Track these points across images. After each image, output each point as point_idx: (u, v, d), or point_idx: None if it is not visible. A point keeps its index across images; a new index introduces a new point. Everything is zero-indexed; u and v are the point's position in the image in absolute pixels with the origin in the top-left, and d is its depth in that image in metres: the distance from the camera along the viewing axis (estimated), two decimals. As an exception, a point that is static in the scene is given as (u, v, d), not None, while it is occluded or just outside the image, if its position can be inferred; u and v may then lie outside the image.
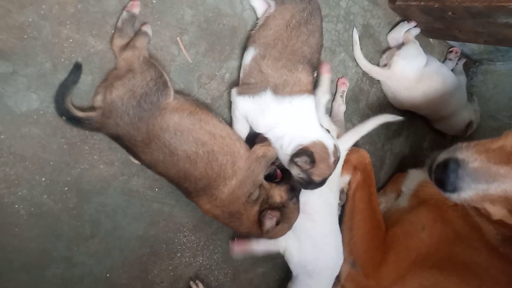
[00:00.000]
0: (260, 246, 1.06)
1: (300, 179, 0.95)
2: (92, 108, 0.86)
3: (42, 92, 0.85)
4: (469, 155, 0.84)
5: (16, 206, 0.85)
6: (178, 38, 0.99)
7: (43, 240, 0.88)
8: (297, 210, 1.00)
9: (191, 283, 1.06)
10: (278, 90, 0.92)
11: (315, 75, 1.06)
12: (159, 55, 0.96)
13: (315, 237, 1.07)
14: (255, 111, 0.94)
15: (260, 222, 0.94)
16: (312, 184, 0.95)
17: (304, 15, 0.95)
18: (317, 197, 1.09)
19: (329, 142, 0.94)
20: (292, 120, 0.93)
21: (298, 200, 1.01)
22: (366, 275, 1.16)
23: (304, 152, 0.90)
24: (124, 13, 0.88)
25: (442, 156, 0.89)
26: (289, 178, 1.01)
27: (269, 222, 0.94)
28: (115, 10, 0.90)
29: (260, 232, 0.96)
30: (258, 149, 0.96)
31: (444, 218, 1.14)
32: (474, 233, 1.09)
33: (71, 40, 0.87)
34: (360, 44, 1.26)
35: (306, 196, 1.07)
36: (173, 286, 1.05)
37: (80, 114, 0.84)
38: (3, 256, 0.85)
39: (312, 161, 0.91)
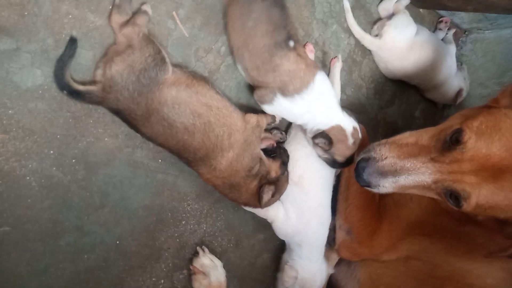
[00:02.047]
0: (249, 208, 1.12)
1: (326, 159, 1.07)
2: (93, 82, 0.89)
3: (46, 68, 0.88)
4: (380, 154, 0.94)
5: (28, 178, 0.89)
6: (174, 13, 1.01)
7: (55, 210, 0.93)
8: (287, 181, 1.09)
9: (198, 248, 1.11)
10: (285, 92, 0.98)
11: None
12: (156, 29, 0.99)
13: (304, 209, 1.12)
14: (280, 112, 1.05)
15: (259, 195, 1.00)
16: (336, 163, 1.07)
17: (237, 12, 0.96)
18: (314, 172, 1.13)
19: (347, 125, 1.03)
20: (310, 110, 1.01)
21: (288, 172, 1.09)
22: (360, 243, 1.22)
23: (320, 134, 1.01)
24: (122, -11, 0.90)
25: (360, 155, 1.00)
26: (281, 153, 1.08)
27: (267, 196, 1.01)
28: (113, -14, 0.92)
29: (257, 203, 1.03)
30: (251, 118, 1.01)
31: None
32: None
33: (70, 16, 0.89)
34: (353, 14, 1.28)
35: (303, 170, 1.12)
36: (179, 252, 1.11)
37: (80, 87, 0.86)
38: (19, 226, 0.89)
39: (330, 143, 1.01)
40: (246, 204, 1.06)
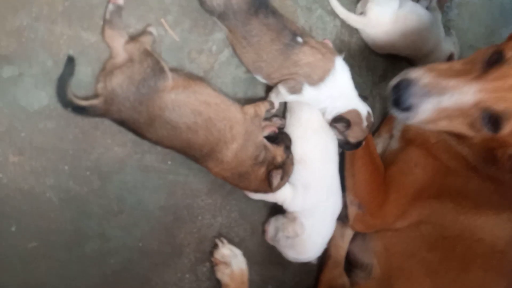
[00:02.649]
0: (256, 196, 1.15)
1: (339, 140, 1.14)
2: (95, 96, 0.93)
3: (49, 89, 0.92)
4: (419, 74, 0.91)
5: (47, 194, 0.94)
6: (162, 20, 1.05)
7: (76, 221, 0.98)
8: (293, 163, 1.13)
9: (216, 240, 1.16)
10: (311, 81, 1.04)
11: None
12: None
13: (310, 183, 1.16)
14: (308, 100, 1.10)
15: (268, 180, 1.04)
16: (348, 144, 1.13)
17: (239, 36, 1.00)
18: (314, 146, 1.17)
19: (363, 110, 1.10)
20: (332, 95, 1.07)
21: (292, 155, 1.13)
22: (372, 215, 1.26)
23: (340, 118, 1.08)
24: (110, 6, 0.93)
25: (394, 80, 0.96)
26: (283, 138, 1.13)
27: (276, 180, 1.05)
28: (100, 2, 0.95)
29: (268, 188, 1.07)
30: (248, 109, 1.04)
31: (432, 154, 1.22)
32: (460, 163, 1.18)
33: (65, 37, 0.94)
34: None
35: (302, 148, 1.16)
36: (199, 246, 1.16)
37: (83, 103, 0.91)
38: (46, 239, 0.95)
39: (348, 125, 1.08)
40: (257, 191, 1.10)
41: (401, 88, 0.92)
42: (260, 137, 1.07)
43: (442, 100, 0.88)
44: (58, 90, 0.91)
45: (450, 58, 1.53)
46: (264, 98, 1.17)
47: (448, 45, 1.54)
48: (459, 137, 1.13)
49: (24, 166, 0.92)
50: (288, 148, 1.12)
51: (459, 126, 0.94)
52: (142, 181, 1.06)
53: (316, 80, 1.04)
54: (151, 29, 0.99)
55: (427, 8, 1.55)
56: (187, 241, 1.14)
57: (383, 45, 1.42)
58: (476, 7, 1.62)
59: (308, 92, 1.05)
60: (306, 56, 1.02)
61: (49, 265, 0.96)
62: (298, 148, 1.16)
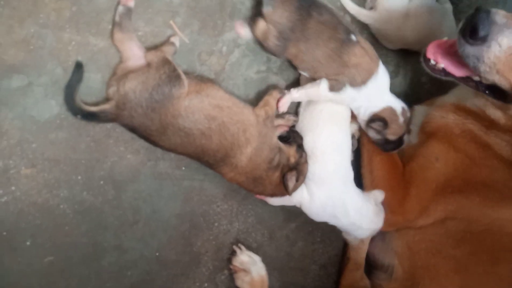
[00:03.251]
0: (276, 202, 1.12)
1: (378, 140, 1.13)
2: (106, 100, 0.90)
3: (59, 97, 0.90)
4: (496, 10, 0.87)
5: (61, 206, 0.92)
6: (171, 21, 1.02)
7: (92, 233, 0.95)
8: (307, 162, 1.09)
9: (234, 247, 1.13)
10: (353, 83, 1.04)
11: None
12: (157, 41, 1.00)
13: (323, 177, 1.11)
14: (343, 100, 1.09)
15: (284, 184, 1.01)
16: (389, 143, 1.13)
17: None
18: (323, 140, 1.12)
19: (397, 106, 1.10)
20: (368, 96, 1.07)
21: (305, 153, 1.09)
22: (393, 212, 1.22)
23: (377, 118, 1.08)
24: (120, 8, 0.91)
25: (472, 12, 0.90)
26: (294, 136, 1.09)
27: (291, 182, 1.01)
28: (107, 6, 0.93)
29: (284, 192, 1.03)
30: (259, 111, 1.02)
31: (455, 146, 1.19)
32: (486, 153, 1.15)
33: (74, 43, 0.91)
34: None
35: (312, 142, 1.11)
36: (217, 253, 1.13)
37: (93, 109, 0.88)
38: (62, 254, 0.92)
39: (385, 124, 1.08)
40: (273, 195, 1.07)
41: (479, 17, 0.85)
42: (274, 139, 1.04)
43: None
44: (67, 97, 0.89)
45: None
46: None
47: (460, 37, 1.51)
48: (487, 125, 1.12)
49: (37, 178, 0.89)
50: (300, 146, 1.09)
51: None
52: (157, 189, 1.03)
53: (359, 82, 1.04)
54: (174, 39, 0.98)
55: (437, 0, 1.53)
56: (204, 249, 1.11)
57: (394, 41, 1.40)
58: (486, -2, 1.59)
59: (348, 92, 1.05)
60: (356, 58, 1.02)
61: (67, 280, 0.93)
62: (308, 143, 1.12)
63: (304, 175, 1.08)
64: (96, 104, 0.90)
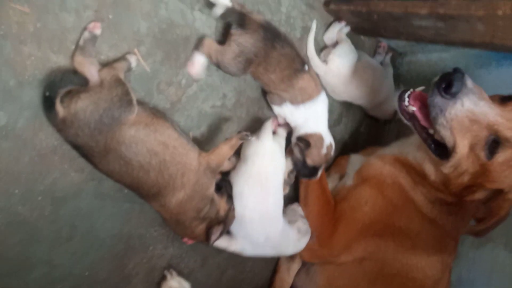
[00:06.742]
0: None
1: (297, 160, 1.25)
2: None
3: (9, 107, 0.89)
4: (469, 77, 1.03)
5: (-6, 217, 0.90)
6: (135, 50, 1.06)
7: (24, 245, 0.94)
8: (234, 215, 1.13)
9: (165, 271, 1.16)
10: (293, 101, 1.21)
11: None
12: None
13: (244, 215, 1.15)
14: (284, 114, 1.26)
15: (207, 235, 1.04)
16: (305, 168, 1.25)
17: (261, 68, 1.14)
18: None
19: (326, 138, 1.25)
20: (305, 116, 1.23)
21: (233, 205, 1.13)
22: (321, 244, 1.34)
23: (304, 138, 1.22)
24: (86, 33, 0.93)
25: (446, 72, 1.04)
26: (225, 185, 1.13)
27: (215, 236, 1.04)
28: (74, 26, 0.95)
29: (204, 240, 1.05)
30: (203, 158, 1.02)
31: (383, 194, 1.34)
32: (408, 205, 1.31)
33: (33, 58, 0.91)
34: (302, 43, 1.40)
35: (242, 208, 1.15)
36: (148, 276, 1.15)
37: (58, 106, 0.86)
38: (-12, 265, 0.90)
39: (308, 145, 1.21)
40: (194, 239, 1.10)
41: (456, 75, 0.99)
42: (210, 190, 1.05)
43: (478, 104, 1.00)
44: (56, 79, 0.88)
45: (396, 112, 1.68)
46: (227, 135, 1.22)
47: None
48: (417, 181, 1.27)
49: (-29, 186, 0.87)
50: (230, 197, 1.12)
51: (464, 142, 1.04)
52: (97, 208, 1.04)
53: (299, 101, 1.20)
54: (129, 56, 0.99)
55: (382, 63, 1.72)
56: (136, 271, 1.13)
57: (340, 93, 1.54)
58: (423, 67, 1.81)
59: (287, 107, 1.22)
60: (303, 82, 1.18)
61: (-12, 292, 0.91)
62: (239, 207, 1.15)
63: (228, 227, 1.11)
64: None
